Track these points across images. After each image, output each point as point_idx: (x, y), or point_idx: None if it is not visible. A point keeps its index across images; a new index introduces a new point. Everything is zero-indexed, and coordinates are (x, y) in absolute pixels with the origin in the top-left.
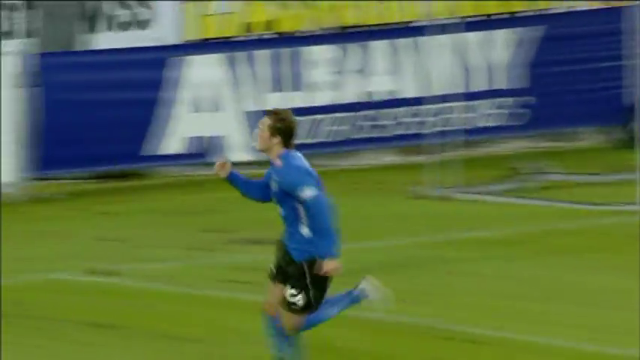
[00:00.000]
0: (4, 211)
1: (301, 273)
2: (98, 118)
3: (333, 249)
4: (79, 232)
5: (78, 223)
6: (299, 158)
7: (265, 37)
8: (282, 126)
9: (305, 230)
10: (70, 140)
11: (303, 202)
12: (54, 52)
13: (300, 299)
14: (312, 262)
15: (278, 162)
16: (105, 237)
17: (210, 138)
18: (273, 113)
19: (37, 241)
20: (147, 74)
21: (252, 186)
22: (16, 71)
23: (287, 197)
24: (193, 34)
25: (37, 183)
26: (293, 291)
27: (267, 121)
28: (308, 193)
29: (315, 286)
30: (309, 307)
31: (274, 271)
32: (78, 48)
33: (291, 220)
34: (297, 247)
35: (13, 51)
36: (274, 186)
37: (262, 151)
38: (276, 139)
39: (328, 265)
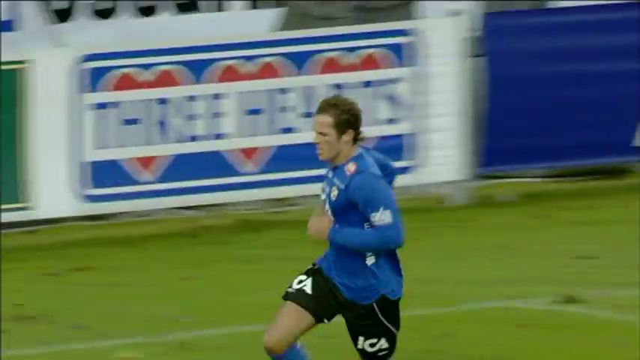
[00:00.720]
0: (441, 217)
1: (373, 317)
2: (558, 99)
3: (343, 238)
4: (535, 247)
5: (532, 234)
6: (373, 163)
7: None
8: (350, 117)
9: (371, 259)
10: (522, 127)
11: (377, 229)
12: (499, 13)
13: (383, 343)
14: (382, 300)
15: (351, 167)
16: (570, 253)
17: None
18: (332, 105)
19: (479, 257)
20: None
21: None
22: (456, 37)
23: (351, 210)
24: None
25: (479, 182)
26: (372, 340)
27: (326, 119)
28: (387, 218)
29: (391, 320)
30: (394, 343)
31: (307, 295)
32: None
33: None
34: (356, 285)
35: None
36: (334, 193)
37: (329, 160)
38: (347, 137)
39: (323, 226)
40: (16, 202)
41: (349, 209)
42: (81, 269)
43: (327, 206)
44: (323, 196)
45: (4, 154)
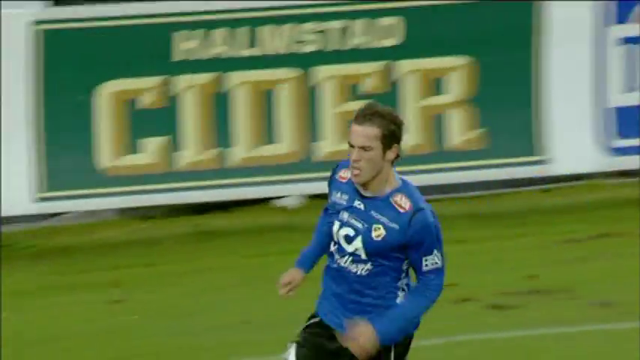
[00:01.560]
0: None
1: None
2: None
3: (392, 332)
4: None
5: None
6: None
7: None
8: (396, 129)
9: (400, 299)
10: None
11: (422, 271)
12: None
13: None
14: (400, 343)
15: (405, 203)
16: None
17: None
18: (377, 113)
19: None
20: None
21: (322, 251)
22: None
23: (395, 253)
24: None
25: None
26: None
27: (372, 130)
28: (439, 261)
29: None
30: None
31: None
32: None
33: (379, 285)
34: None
35: None
36: (379, 233)
37: (365, 182)
38: (392, 154)
39: (368, 338)
40: (530, 155)
41: (393, 252)
42: (606, 235)
43: (355, 245)
44: (342, 231)
45: (517, 97)
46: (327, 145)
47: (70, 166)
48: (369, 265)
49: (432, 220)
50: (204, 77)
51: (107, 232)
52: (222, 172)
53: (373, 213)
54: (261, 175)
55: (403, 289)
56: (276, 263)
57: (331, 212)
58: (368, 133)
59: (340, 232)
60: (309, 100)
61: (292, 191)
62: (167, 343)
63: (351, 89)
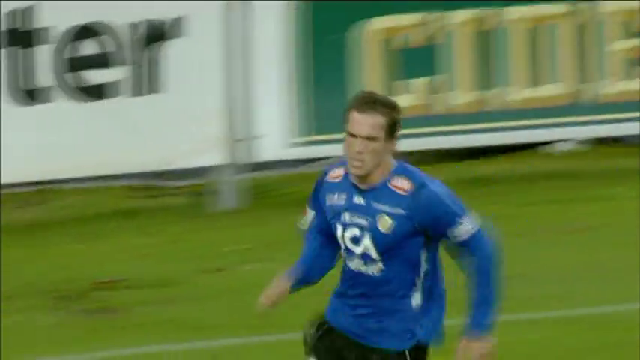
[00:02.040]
0: None
1: None
2: None
3: (491, 320)
4: None
5: None
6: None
7: None
8: (399, 118)
9: (417, 300)
10: None
11: (461, 244)
12: None
13: None
14: (416, 349)
15: (404, 184)
16: None
17: None
18: (379, 102)
19: None
20: None
21: (312, 268)
22: None
23: (410, 242)
24: None
25: None
26: None
27: (377, 119)
28: (472, 225)
29: None
30: None
31: None
32: None
33: (395, 285)
34: (400, 328)
35: None
36: (386, 224)
37: (365, 175)
38: (392, 145)
39: (480, 349)
40: None
41: (408, 240)
42: None
43: (364, 245)
44: (347, 233)
45: None
46: (607, 86)
47: (332, 109)
48: (381, 264)
49: (439, 190)
50: (472, 13)
51: None
52: (490, 114)
53: (374, 204)
54: (531, 118)
55: (418, 288)
56: (548, 213)
57: (330, 218)
58: (373, 122)
59: (346, 234)
60: (588, 37)
61: (564, 135)
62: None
63: (630, 26)
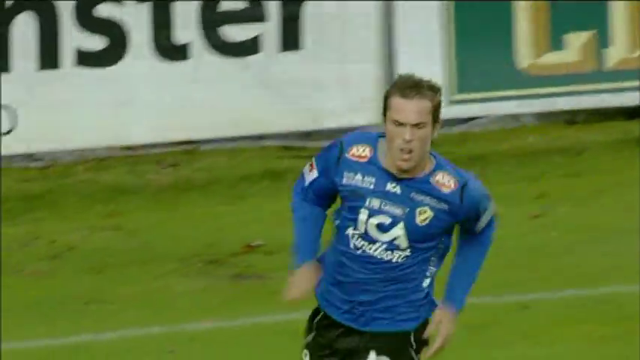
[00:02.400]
0: None
1: (404, 346)
2: None
3: (466, 299)
4: None
5: None
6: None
7: None
8: (441, 102)
9: (426, 283)
10: None
11: (481, 232)
12: None
13: None
14: (419, 328)
15: (449, 181)
16: None
17: None
18: (424, 86)
19: None
20: None
21: (318, 238)
22: None
23: (439, 236)
24: None
25: None
26: None
27: (425, 104)
28: (491, 215)
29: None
30: None
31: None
32: None
33: (412, 270)
34: (408, 311)
35: None
36: (424, 217)
37: (412, 168)
38: (436, 130)
39: (451, 329)
40: None
41: (441, 232)
42: None
43: (394, 234)
44: (373, 220)
45: None
46: None
47: (485, 66)
48: (407, 252)
49: (480, 187)
50: None
51: (526, 138)
52: None
53: (414, 195)
54: None
55: (429, 274)
56: None
57: (346, 196)
58: (420, 107)
59: (371, 221)
60: None
61: None
62: (587, 264)
63: None
